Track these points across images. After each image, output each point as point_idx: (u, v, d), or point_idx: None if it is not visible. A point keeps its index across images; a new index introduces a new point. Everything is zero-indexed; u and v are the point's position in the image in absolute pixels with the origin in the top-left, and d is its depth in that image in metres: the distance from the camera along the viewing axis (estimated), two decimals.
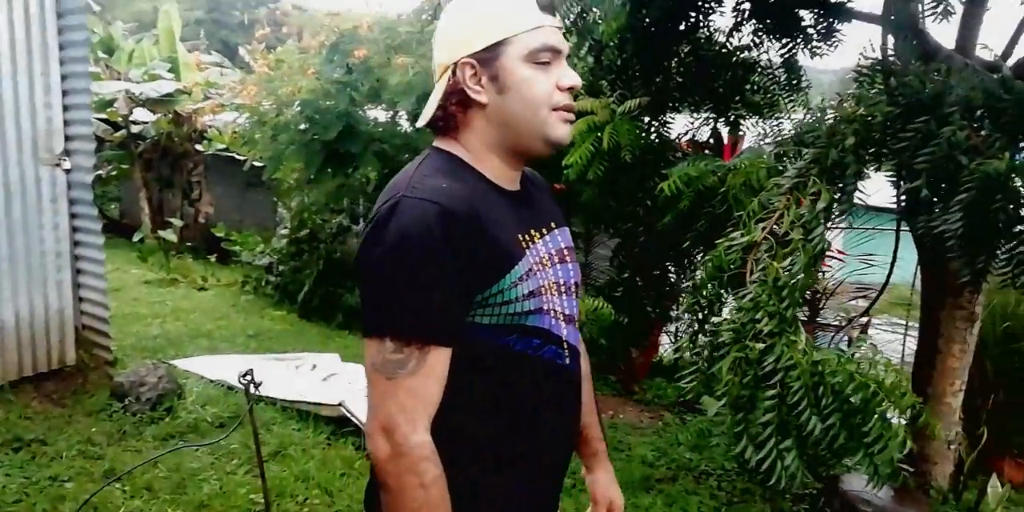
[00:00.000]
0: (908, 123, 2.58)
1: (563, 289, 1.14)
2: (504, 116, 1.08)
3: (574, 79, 1.09)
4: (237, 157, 8.25)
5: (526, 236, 1.11)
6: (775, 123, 3.97)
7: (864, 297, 5.69)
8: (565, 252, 1.18)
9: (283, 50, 5.82)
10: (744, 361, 2.11)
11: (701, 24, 3.65)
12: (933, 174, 2.45)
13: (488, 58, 1.06)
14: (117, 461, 3.29)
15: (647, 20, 3.30)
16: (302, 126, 5.20)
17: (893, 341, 6.38)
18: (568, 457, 1.25)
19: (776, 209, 2.32)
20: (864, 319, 5.29)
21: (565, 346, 1.15)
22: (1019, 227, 2.04)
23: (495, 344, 1.06)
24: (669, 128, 4.07)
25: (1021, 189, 2.13)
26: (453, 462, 1.03)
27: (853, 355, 2.16)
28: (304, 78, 5.20)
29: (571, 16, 3.45)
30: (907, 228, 3.42)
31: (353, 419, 3.81)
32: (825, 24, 3.30)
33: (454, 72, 1.07)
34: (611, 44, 3.47)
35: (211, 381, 4.36)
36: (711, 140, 4.27)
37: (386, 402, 1.00)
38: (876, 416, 2.02)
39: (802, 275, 2.22)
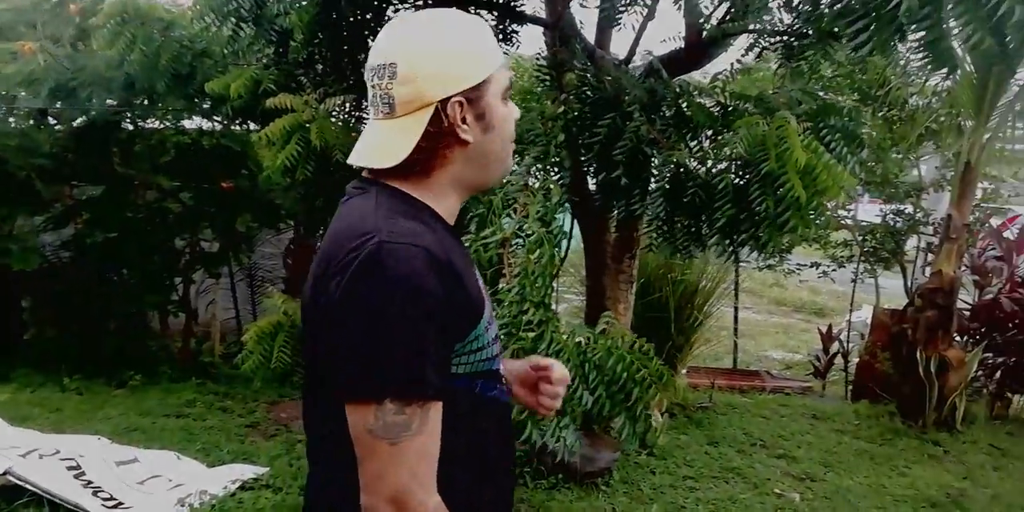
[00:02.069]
0: (598, 119, 2.93)
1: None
2: (483, 154, 1.05)
3: (518, 112, 1.11)
4: None
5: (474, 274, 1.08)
6: None
7: None
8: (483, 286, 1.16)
9: None
10: (521, 351, 2.23)
11: (391, 18, 3.62)
12: (626, 165, 2.83)
13: (475, 96, 1.01)
14: None
15: (336, 14, 3.18)
16: None
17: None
18: None
19: (517, 205, 2.47)
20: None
21: (505, 382, 1.15)
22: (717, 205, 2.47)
23: (466, 391, 1.02)
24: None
25: (711, 179, 2.57)
26: None
27: (603, 330, 2.43)
28: None
29: (246, 4, 3.16)
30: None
31: (27, 486, 3.12)
32: (502, 26, 3.53)
33: (444, 112, 0.99)
34: (299, 37, 3.27)
35: None
36: None
37: (394, 469, 0.91)
38: (633, 383, 2.31)
39: (550, 265, 2.41)
